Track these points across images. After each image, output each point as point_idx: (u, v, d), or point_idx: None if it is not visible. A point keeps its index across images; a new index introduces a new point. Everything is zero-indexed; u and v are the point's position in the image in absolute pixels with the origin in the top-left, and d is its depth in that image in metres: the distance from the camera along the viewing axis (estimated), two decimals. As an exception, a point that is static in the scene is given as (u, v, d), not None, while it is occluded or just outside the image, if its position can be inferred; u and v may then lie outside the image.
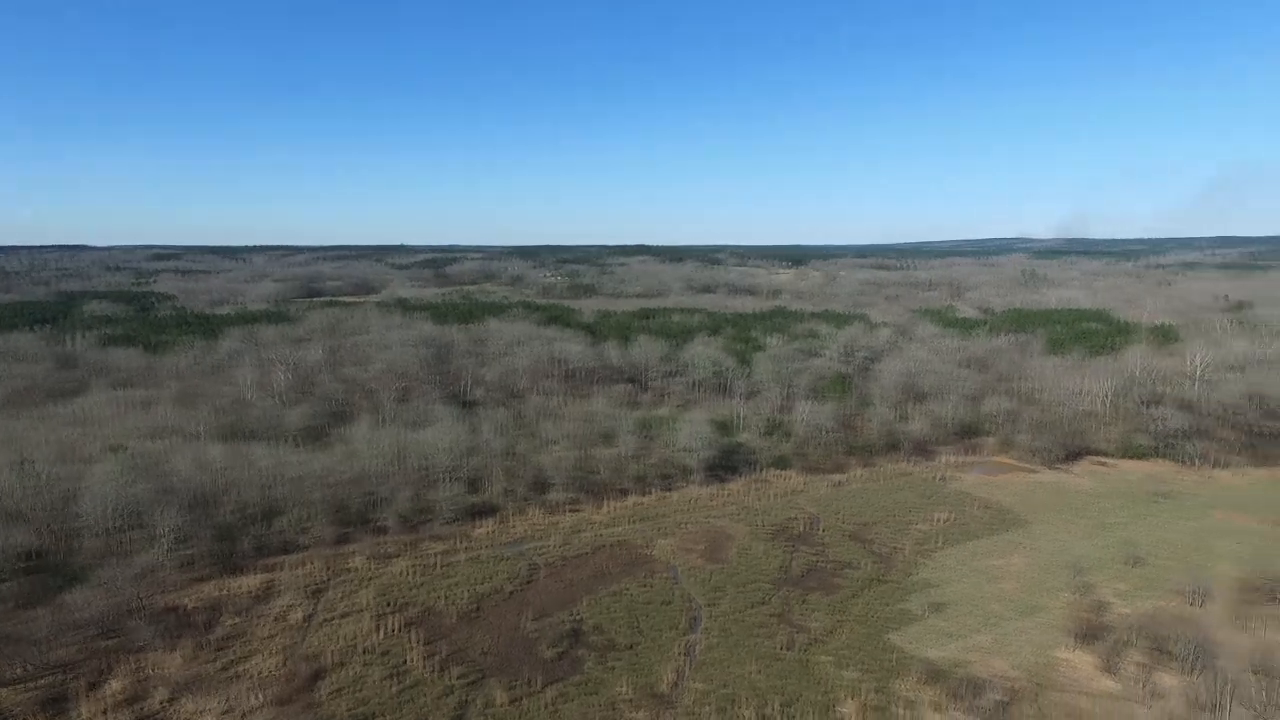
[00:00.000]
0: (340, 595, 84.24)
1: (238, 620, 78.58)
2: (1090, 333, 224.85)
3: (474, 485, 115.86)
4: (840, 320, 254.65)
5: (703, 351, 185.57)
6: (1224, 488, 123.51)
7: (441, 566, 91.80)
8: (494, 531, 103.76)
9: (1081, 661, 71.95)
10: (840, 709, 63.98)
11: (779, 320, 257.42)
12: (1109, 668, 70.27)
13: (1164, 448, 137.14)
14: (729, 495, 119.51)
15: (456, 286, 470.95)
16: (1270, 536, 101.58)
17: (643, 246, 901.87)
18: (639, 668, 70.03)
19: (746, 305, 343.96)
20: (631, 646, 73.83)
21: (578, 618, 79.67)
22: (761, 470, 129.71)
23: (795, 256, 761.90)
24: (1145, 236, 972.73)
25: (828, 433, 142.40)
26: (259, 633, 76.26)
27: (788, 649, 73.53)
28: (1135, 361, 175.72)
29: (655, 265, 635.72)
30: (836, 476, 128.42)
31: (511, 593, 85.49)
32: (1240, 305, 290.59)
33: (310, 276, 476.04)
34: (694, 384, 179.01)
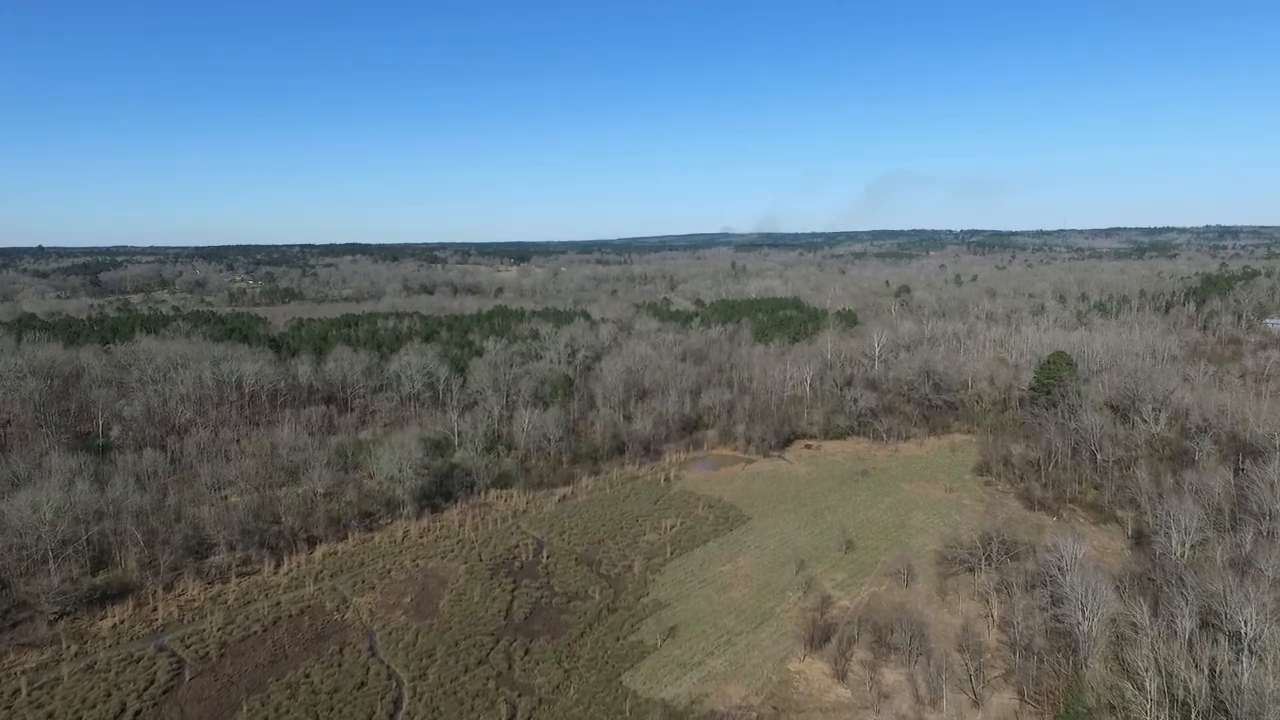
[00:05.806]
0: None
1: None
2: (788, 320, 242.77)
3: (100, 560, 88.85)
4: (562, 318, 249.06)
5: (414, 361, 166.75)
6: (909, 459, 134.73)
7: (32, 690, 66.40)
8: (126, 621, 78.96)
9: (814, 671, 69.11)
10: (570, 794, 53.65)
11: (499, 320, 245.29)
12: (839, 673, 68.08)
13: (859, 426, 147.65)
14: (444, 527, 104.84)
15: (116, 296, 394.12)
16: (949, 503, 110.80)
17: (356, 245, 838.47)
18: (315, 794, 53.81)
19: (468, 305, 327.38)
20: (307, 762, 57.13)
21: (236, 731, 60.83)
22: (482, 493, 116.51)
23: (519, 253, 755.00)
24: (823, 230, 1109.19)
25: (553, 442, 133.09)
26: None
27: (509, 721, 61.77)
28: (828, 345, 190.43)
29: (369, 265, 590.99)
30: (563, 490, 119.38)
31: (139, 713, 63.58)
32: (901, 289, 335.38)
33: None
34: (405, 398, 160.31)
